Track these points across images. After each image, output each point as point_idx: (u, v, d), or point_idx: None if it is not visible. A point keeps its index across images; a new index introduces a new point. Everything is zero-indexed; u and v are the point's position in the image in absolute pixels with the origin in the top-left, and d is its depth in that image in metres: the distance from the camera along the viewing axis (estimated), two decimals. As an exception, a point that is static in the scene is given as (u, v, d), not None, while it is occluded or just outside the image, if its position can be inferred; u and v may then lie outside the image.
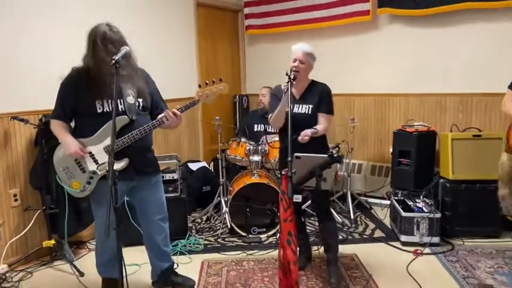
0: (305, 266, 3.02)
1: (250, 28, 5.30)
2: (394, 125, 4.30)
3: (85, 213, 3.22)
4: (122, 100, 2.35)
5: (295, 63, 2.65)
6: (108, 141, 2.32)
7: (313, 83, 2.83)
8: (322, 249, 2.98)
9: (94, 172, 2.38)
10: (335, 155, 1.87)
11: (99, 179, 2.40)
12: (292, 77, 2.52)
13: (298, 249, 2.03)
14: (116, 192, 1.93)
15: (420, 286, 2.71)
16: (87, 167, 2.38)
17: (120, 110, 2.33)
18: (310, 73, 2.81)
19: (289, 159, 1.85)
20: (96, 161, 2.37)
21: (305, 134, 2.52)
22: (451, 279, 2.82)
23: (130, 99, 2.38)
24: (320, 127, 2.67)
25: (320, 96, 2.73)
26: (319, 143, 2.67)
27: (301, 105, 2.75)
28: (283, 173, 1.96)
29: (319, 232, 2.92)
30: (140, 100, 2.44)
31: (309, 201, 3.72)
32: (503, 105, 2.89)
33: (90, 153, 2.36)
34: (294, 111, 2.71)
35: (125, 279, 2.10)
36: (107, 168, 2.17)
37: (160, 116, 2.41)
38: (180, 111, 2.41)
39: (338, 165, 4.29)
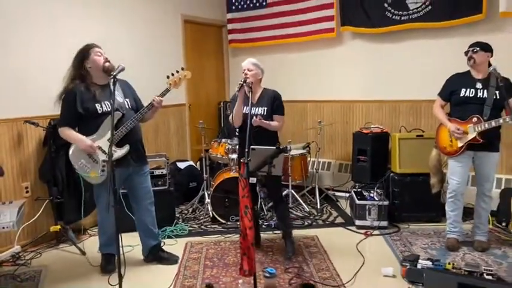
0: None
1: (233, 42, 5.92)
2: (357, 128, 4.87)
3: (86, 204, 3.75)
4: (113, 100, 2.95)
5: (244, 71, 3.24)
6: (109, 135, 2.88)
7: (266, 90, 3.39)
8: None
9: (105, 161, 2.95)
10: (281, 147, 2.47)
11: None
12: (243, 81, 3.13)
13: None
14: (114, 177, 2.51)
15: (364, 257, 3.30)
16: (98, 158, 2.95)
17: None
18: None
19: (246, 150, 2.45)
20: (104, 152, 2.95)
21: (255, 119, 3.11)
22: (390, 252, 3.42)
23: (120, 99, 3.01)
24: (274, 123, 3.26)
25: (273, 100, 3.30)
26: (271, 137, 3.26)
27: (257, 108, 3.32)
28: (241, 161, 2.55)
29: (274, 213, 3.51)
30: (127, 100, 3.09)
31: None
32: (433, 109, 3.52)
33: (98, 146, 2.93)
34: (252, 112, 3.27)
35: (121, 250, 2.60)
36: (115, 155, 2.84)
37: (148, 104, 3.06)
38: (161, 97, 3.07)
39: (311, 163, 4.91)
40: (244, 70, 3.23)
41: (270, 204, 4.46)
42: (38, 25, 3.75)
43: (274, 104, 3.29)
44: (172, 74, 3.14)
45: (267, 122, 3.21)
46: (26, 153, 3.71)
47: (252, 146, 2.52)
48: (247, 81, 3.15)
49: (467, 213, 3.78)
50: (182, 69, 3.21)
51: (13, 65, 3.57)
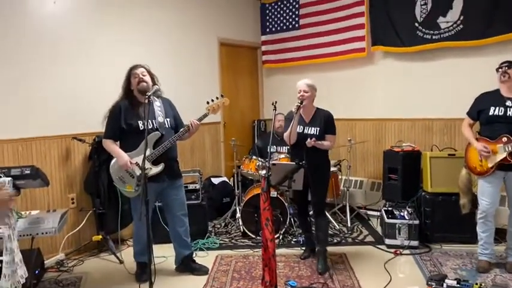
0: (309, 256, 3.72)
1: (267, 63, 6.14)
2: (390, 146, 4.88)
3: (124, 216, 3.98)
4: (154, 120, 3.18)
5: (301, 93, 3.41)
6: (147, 152, 3.10)
7: (319, 109, 3.54)
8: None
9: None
10: (300, 163, 2.58)
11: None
12: (300, 103, 3.32)
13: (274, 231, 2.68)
14: (147, 188, 2.70)
15: (390, 276, 3.29)
16: (135, 173, 3.17)
17: (154, 127, 3.17)
18: (318, 101, 3.55)
19: (267, 164, 2.58)
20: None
21: (310, 141, 3.28)
22: (419, 272, 3.38)
23: (161, 119, 3.23)
24: (327, 143, 3.42)
25: (325, 121, 3.45)
26: (323, 155, 3.49)
27: (310, 128, 3.46)
28: (262, 175, 2.68)
29: (314, 227, 3.61)
30: (168, 119, 3.29)
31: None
32: (462, 128, 3.49)
33: (136, 163, 3.15)
34: (305, 132, 3.45)
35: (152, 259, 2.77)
36: (150, 172, 3.05)
37: (185, 126, 3.25)
38: (198, 121, 3.26)
39: (342, 181, 4.94)
40: (301, 92, 3.40)
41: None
42: (86, 47, 4.09)
43: (327, 124, 3.44)
44: (212, 100, 3.35)
45: (320, 142, 3.35)
46: (72, 167, 4.04)
47: (272, 162, 2.65)
48: (304, 103, 3.34)
49: (503, 235, 3.66)
50: (222, 96, 3.41)
51: (63, 86, 3.91)
